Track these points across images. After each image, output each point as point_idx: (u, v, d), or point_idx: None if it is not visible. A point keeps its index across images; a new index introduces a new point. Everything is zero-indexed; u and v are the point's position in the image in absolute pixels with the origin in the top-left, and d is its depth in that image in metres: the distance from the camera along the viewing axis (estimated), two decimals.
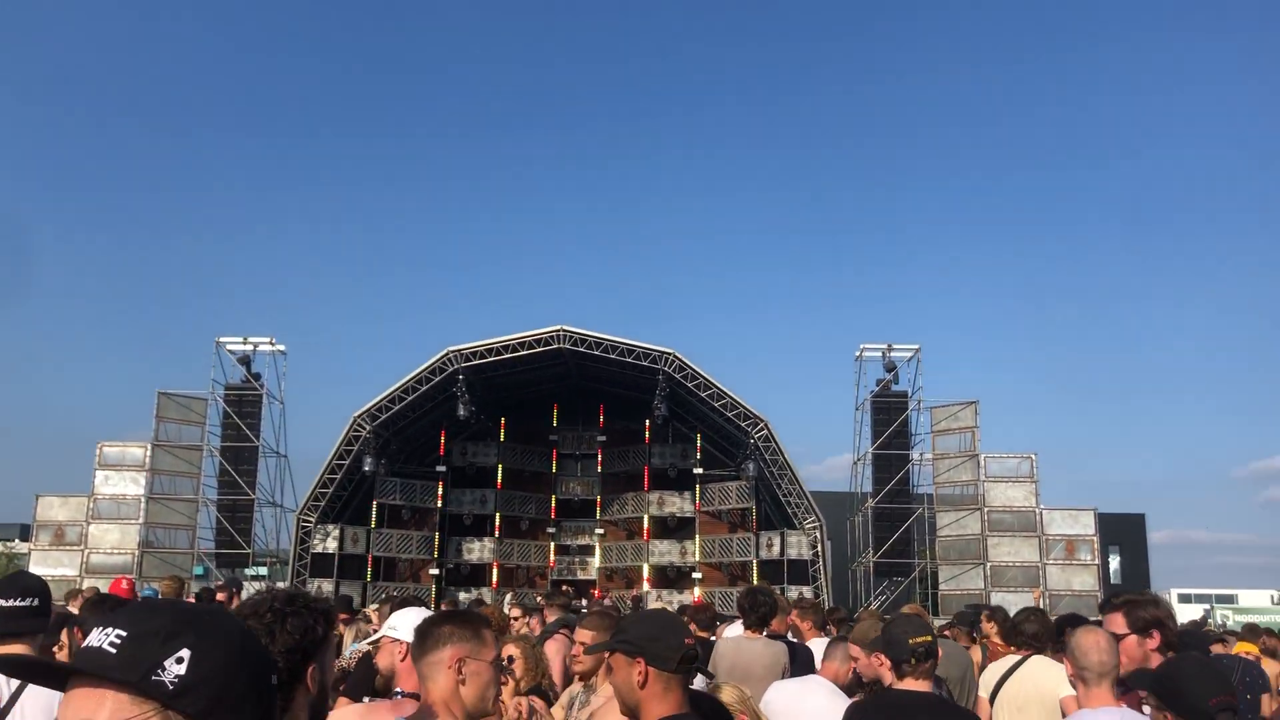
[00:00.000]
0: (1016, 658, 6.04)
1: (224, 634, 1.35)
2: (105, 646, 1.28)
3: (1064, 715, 5.04)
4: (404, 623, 3.75)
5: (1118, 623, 4.30)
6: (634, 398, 34.34)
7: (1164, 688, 3.51)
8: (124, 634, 1.29)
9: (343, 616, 11.24)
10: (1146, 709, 3.81)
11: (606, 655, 3.18)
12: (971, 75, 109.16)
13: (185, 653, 1.29)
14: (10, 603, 3.80)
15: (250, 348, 34.16)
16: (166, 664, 1.28)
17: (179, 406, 33.15)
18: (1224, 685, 3.44)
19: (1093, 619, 6.22)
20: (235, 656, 1.33)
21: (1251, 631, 13.14)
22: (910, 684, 4.23)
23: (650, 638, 3.00)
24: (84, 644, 1.30)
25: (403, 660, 3.66)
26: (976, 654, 9.00)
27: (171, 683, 1.27)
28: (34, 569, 31.02)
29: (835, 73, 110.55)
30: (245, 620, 2.24)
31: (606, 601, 26.02)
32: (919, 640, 4.23)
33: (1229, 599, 52.07)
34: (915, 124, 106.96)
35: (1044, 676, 5.64)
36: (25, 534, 45.20)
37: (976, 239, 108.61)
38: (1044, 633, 6.13)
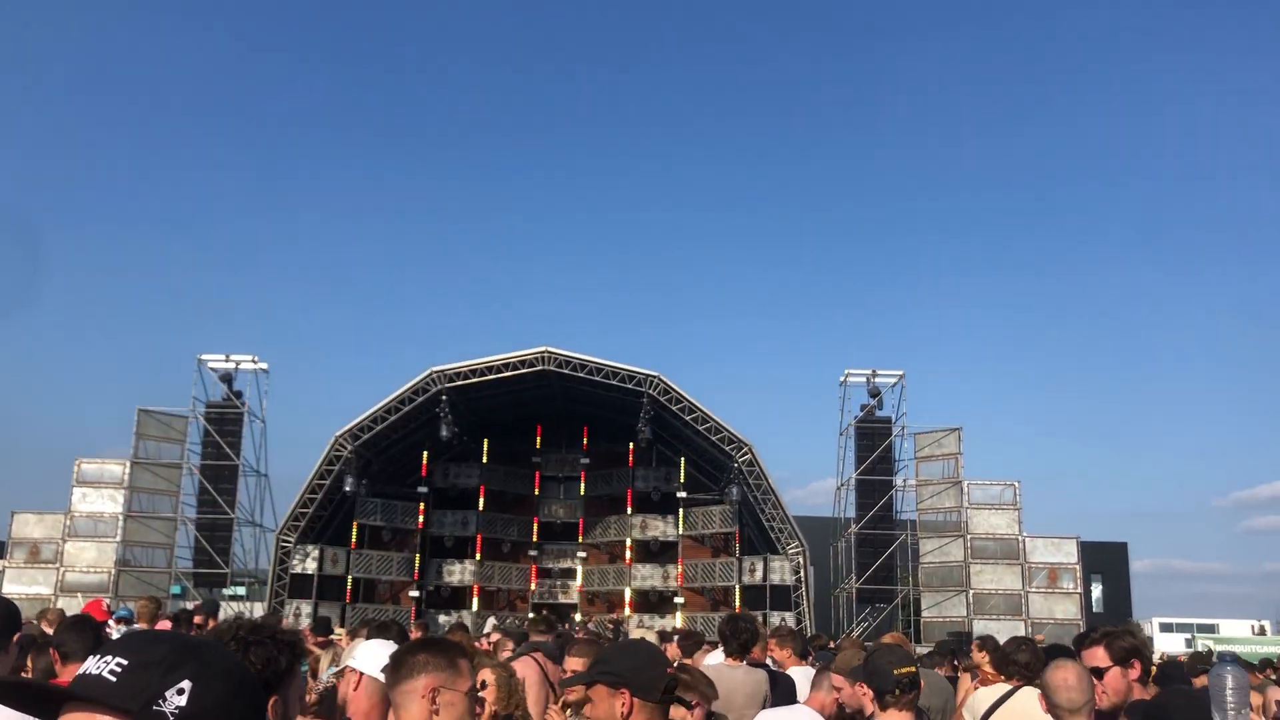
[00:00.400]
0: (1007, 687, 5.99)
1: (224, 667, 1.36)
2: (105, 674, 1.28)
3: None
4: (362, 653, 3.74)
5: (1099, 656, 4.33)
6: (618, 420, 34.27)
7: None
8: (125, 663, 1.29)
9: (319, 640, 11.10)
10: None
11: (585, 686, 3.11)
12: (955, 97, 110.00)
13: (186, 684, 1.31)
14: None
15: (232, 365, 33.98)
16: (168, 695, 1.29)
17: (159, 424, 32.92)
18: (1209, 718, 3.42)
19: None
20: (234, 689, 1.35)
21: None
22: (893, 715, 4.20)
23: (635, 669, 2.97)
24: (82, 671, 1.30)
25: (354, 690, 3.63)
26: (966, 682, 8.91)
27: (172, 713, 1.28)
28: (8, 587, 30.72)
29: (821, 94, 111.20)
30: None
31: (590, 626, 25.86)
32: (903, 671, 4.19)
33: (1210, 629, 52.09)
34: (900, 147, 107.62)
35: (1034, 708, 5.57)
36: (0, 551, 44.67)
37: (962, 265, 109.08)
38: (1036, 663, 6.09)
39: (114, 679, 1.27)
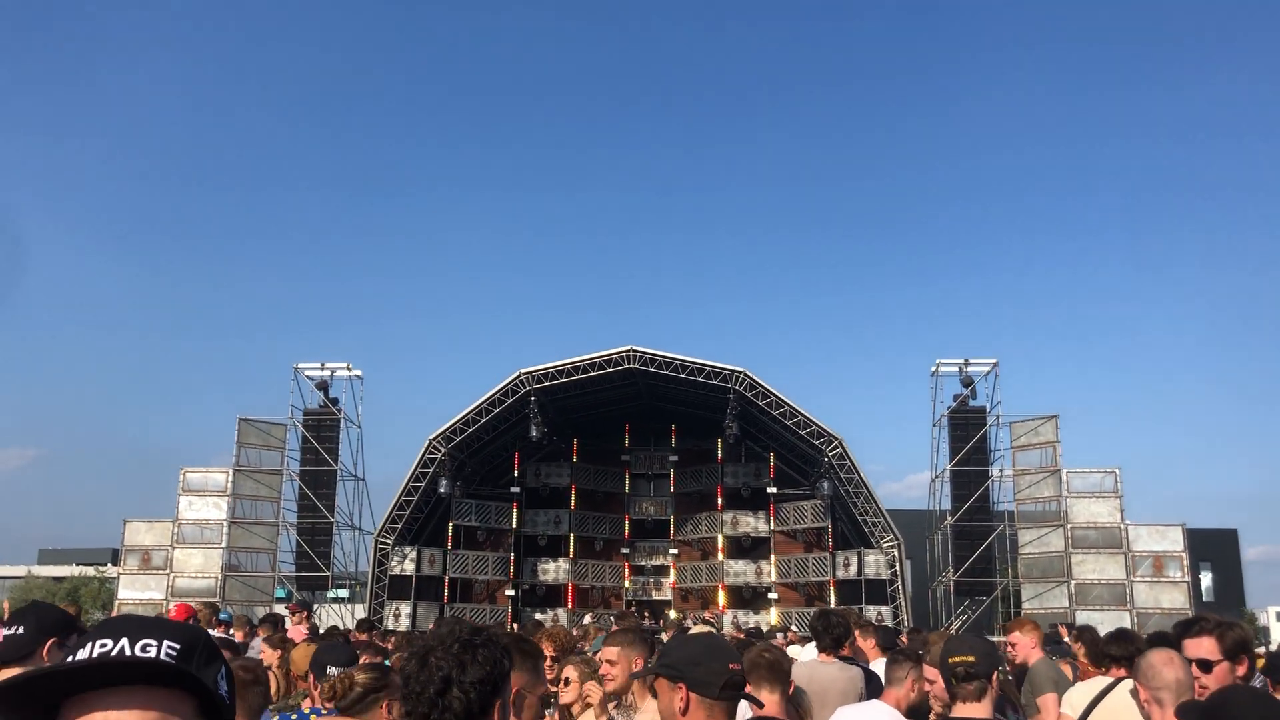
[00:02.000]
0: (1108, 680, 5.75)
1: (225, 661, 1.36)
2: (162, 657, 1.24)
3: None
4: None
5: (1207, 647, 4.01)
6: (705, 417, 34.20)
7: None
8: (177, 647, 1.26)
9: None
10: None
11: (651, 679, 3.10)
12: (1047, 87, 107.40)
13: (223, 671, 1.31)
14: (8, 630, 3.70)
15: (327, 373, 34.70)
16: (219, 680, 1.30)
17: (259, 432, 33.78)
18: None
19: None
20: (234, 684, 1.37)
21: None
22: (961, 708, 4.05)
23: (692, 662, 2.93)
24: (118, 651, 1.24)
25: None
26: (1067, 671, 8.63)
27: (224, 696, 1.28)
28: (123, 593, 31.96)
29: (908, 88, 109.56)
30: (432, 651, 2.25)
31: (687, 622, 25.85)
32: (958, 660, 4.06)
33: None
34: (990, 138, 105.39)
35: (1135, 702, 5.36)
36: (115, 558, 46.41)
37: (1053, 250, 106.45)
38: (1136, 654, 5.84)
39: (172, 660, 1.24)
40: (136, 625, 1.29)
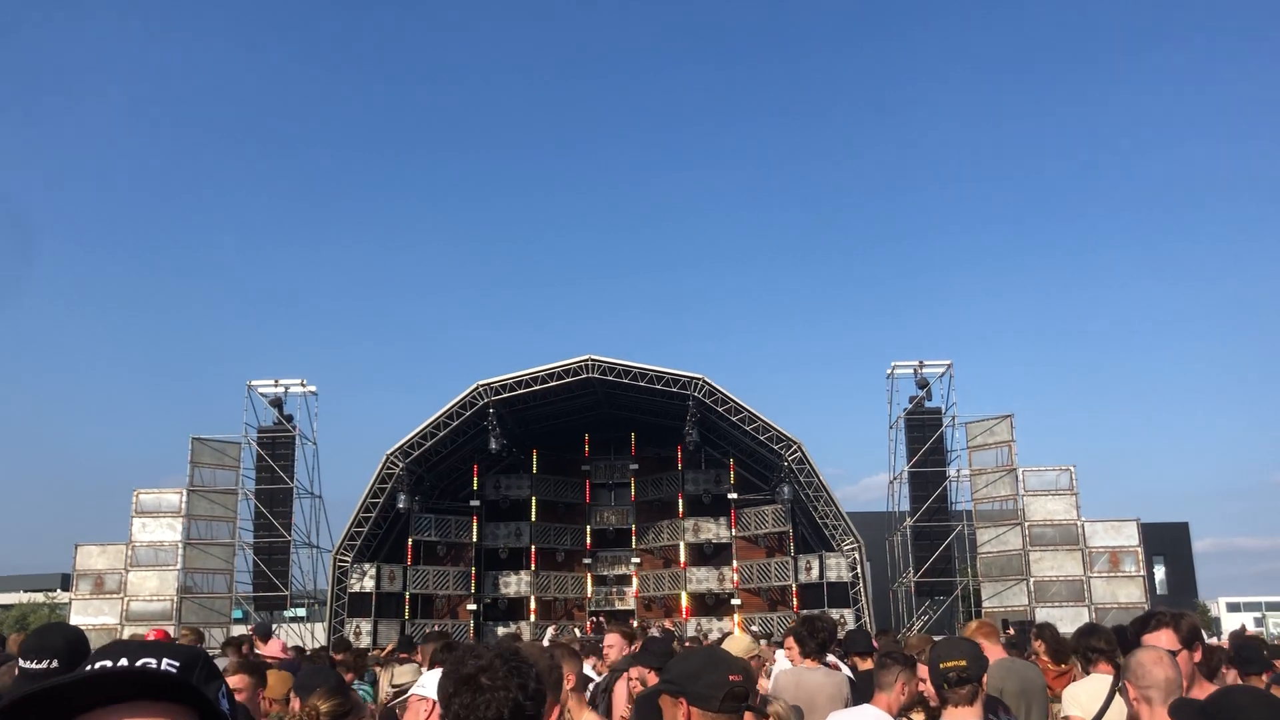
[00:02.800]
0: (1109, 678, 5.70)
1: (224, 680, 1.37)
2: (165, 668, 1.23)
3: None
4: (431, 680, 3.68)
5: (1167, 639, 4.09)
6: (665, 425, 34.23)
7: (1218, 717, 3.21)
8: (177, 663, 1.26)
9: (402, 657, 11.14)
10: None
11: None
12: (1002, 90, 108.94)
13: (224, 689, 1.33)
14: (35, 665, 3.60)
15: (281, 390, 34.30)
16: (220, 698, 1.30)
17: (213, 451, 33.29)
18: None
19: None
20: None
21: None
22: (951, 713, 4.06)
23: (691, 676, 2.90)
24: (121, 665, 1.23)
25: (426, 718, 3.60)
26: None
27: (227, 714, 1.27)
28: (75, 618, 31.18)
29: (862, 90, 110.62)
30: (477, 675, 2.22)
31: (653, 631, 25.82)
32: (949, 665, 4.06)
33: (1279, 606, 51.04)
34: (942, 143, 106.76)
35: None
36: (66, 583, 45.50)
37: (1005, 252, 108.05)
38: (1119, 647, 5.87)
39: (176, 673, 1.23)
40: (136, 646, 1.30)
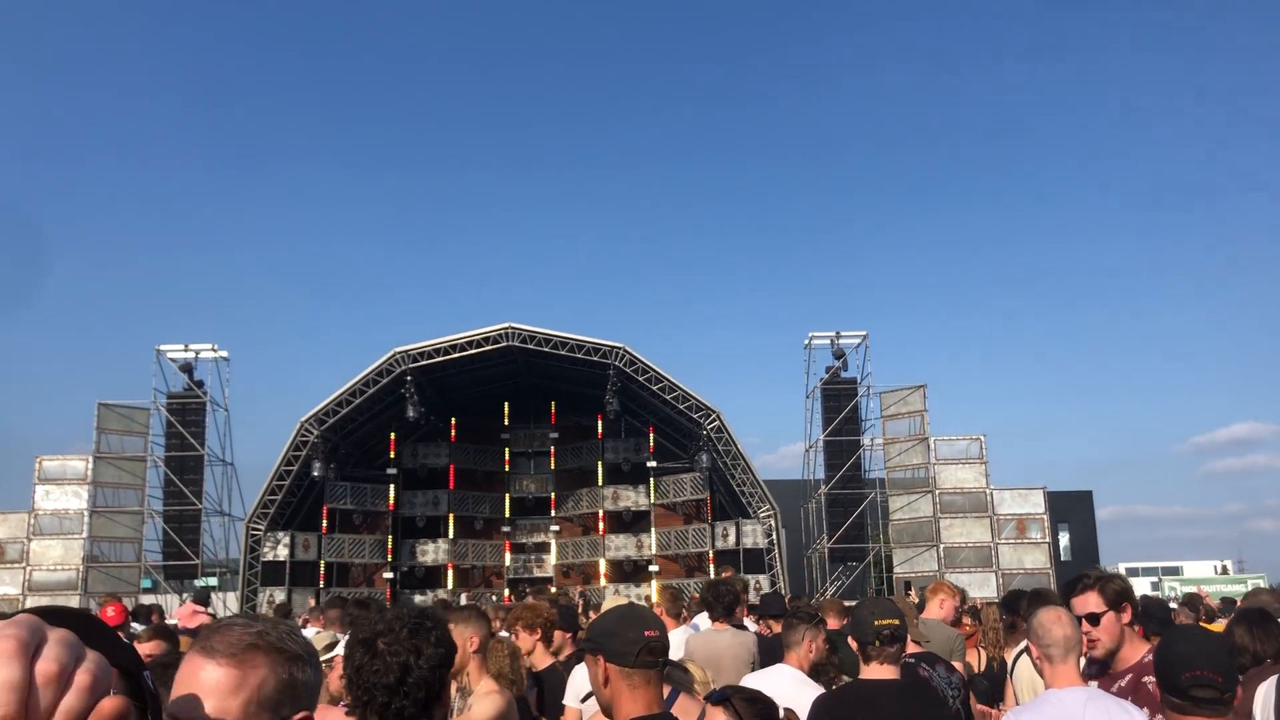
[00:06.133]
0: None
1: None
2: None
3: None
4: None
5: (1092, 601, 4.17)
6: (585, 394, 34.22)
7: (1157, 662, 3.48)
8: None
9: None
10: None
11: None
12: (908, 59, 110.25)
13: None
14: None
15: (192, 355, 33.53)
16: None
17: (120, 417, 32.45)
18: (1207, 659, 3.34)
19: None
20: None
21: (1191, 602, 13.59)
22: (875, 669, 4.16)
23: (606, 633, 2.90)
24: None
25: None
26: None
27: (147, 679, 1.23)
28: None
29: (773, 60, 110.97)
30: (380, 637, 2.22)
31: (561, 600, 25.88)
32: (884, 623, 4.15)
33: (1175, 571, 53.06)
34: (854, 109, 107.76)
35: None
36: None
37: (919, 224, 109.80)
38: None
39: None
40: (50, 614, 1.24)
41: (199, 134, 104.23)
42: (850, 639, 4.36)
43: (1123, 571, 56.57)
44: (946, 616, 7.40)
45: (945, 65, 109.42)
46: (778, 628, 7.48)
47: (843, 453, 33.86)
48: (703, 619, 7.50)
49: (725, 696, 3.54)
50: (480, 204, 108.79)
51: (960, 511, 32.14)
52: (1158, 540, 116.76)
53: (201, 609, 15.03)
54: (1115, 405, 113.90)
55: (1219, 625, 9.18)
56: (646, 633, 2.88)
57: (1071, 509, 54.22)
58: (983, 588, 29.69)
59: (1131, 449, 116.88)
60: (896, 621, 4.17)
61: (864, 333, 34.48)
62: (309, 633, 8.54)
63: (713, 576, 30.60)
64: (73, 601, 27.87)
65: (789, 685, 5.09)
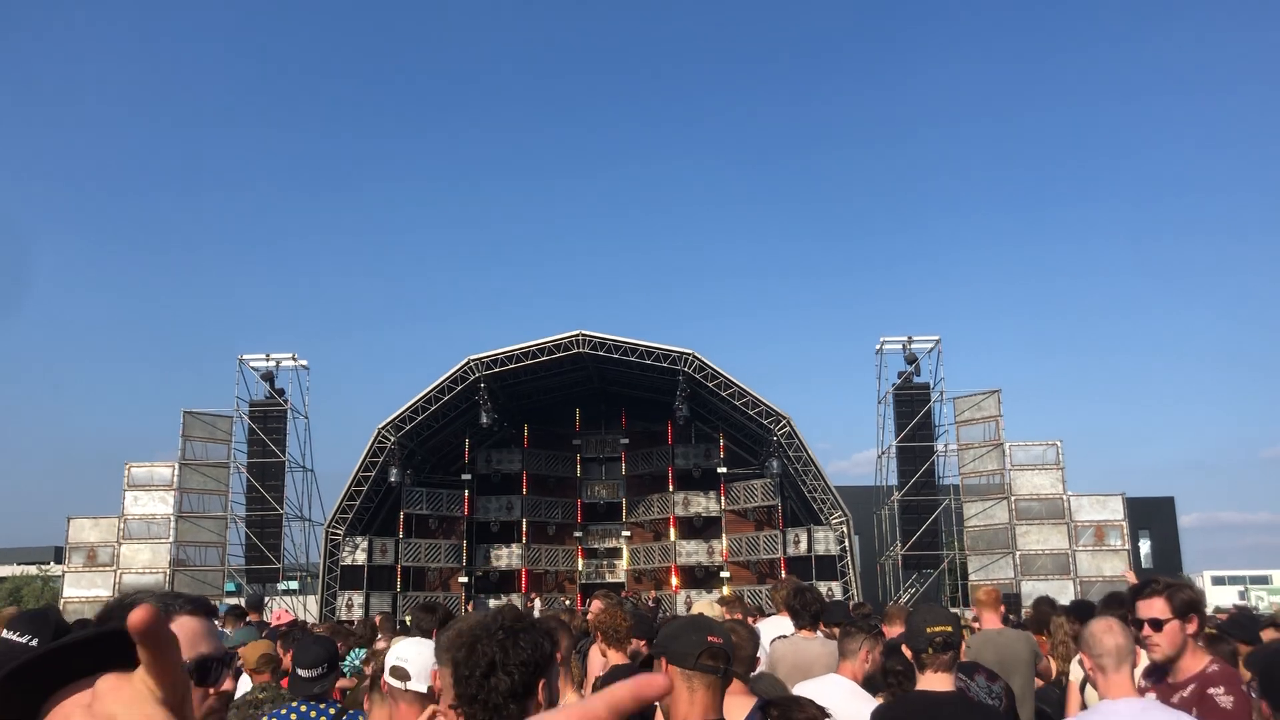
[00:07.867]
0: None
1: None
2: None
3: None
4: (413, 653, 3.62)
5: (1158, 607, 4.12)
6: (655, 399, 34.35)
7: (1266, 676, 3.38)
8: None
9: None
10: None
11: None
12: (984, 67, 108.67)
13: None
14: (16, 638, 3.51)
15: (273, 364, 34.34)
16: None
17: (204, 425, 33.36)
18: None
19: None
20: None
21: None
22: (930, 678, 4.10)
23: (671, 636, 3.01)
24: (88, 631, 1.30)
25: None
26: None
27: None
28: (68, 590, 31.40)
29: (848, 67, 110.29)
30: (479, 640, 2.40)
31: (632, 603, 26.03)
32: (936, 630, 4.10)
33: (1263, 580, 51.57)
34: (930, 115, 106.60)
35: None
36: (59, 556, 45.62)
37: (992, 228, 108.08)
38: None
39: None
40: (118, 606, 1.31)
41: (282, 151, 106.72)
42: (904, 647, 4.32)
43: (1208, 580, 55.17)
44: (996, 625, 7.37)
45: (1017, 54, 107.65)
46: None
47: (916, 459, 33.48)
48: (769, 625, 7.49)
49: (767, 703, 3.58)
50: (549, 215, 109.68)
51: (1037, 518, 31.60)
52: (1244, 548, 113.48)
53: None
54: (1197, 410, 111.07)
55: None
56: (710, 639, 2.99)
57: (1152, 516, 52.89)
58: (1061, 596, 29.13)
59: (1215, 455, 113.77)
60: (949, 628, 4.11)
61: (936, 337, 34.14)
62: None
63: (780, 581, 30.49)
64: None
65: (842, 697, 4.91)
